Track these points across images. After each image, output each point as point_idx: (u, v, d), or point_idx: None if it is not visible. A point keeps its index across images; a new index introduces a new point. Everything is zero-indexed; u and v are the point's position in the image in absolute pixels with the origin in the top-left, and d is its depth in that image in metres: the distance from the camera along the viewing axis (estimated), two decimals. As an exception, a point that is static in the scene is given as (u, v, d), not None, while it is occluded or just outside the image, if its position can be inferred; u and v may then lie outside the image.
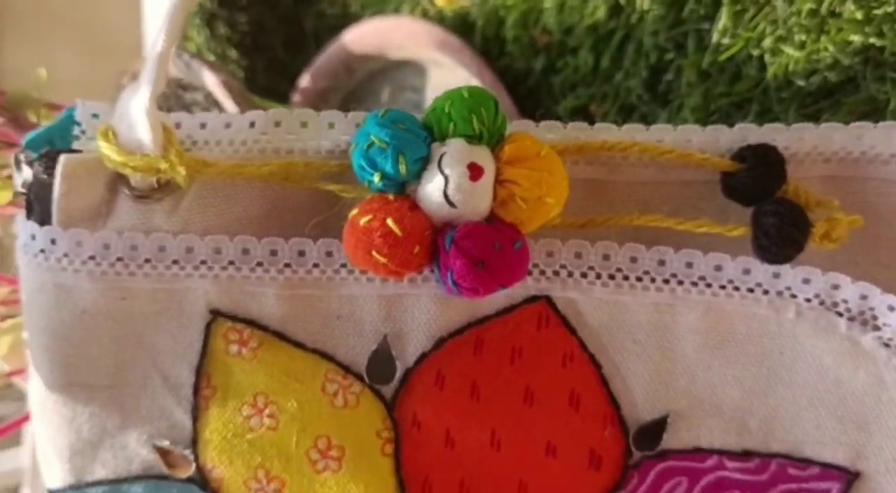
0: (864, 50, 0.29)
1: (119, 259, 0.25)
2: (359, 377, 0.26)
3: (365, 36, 0.45)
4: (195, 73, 0.38)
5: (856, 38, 0.29)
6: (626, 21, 0.35)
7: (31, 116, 0.31)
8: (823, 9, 0.30)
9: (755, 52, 0.32)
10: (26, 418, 0.37)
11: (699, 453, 0.26)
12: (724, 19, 0.32)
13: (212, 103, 0.38)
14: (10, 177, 0.32)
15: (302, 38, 0.51)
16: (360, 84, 0.49)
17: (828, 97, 0.30)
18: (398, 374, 0.26)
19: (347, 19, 0.48)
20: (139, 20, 0.56)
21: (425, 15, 0.44)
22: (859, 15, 0.29)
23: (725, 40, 0.32)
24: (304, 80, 0.48)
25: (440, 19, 0.43)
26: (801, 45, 0.30)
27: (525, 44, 0.39)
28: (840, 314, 0.24)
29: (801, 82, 0.31)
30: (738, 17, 0.32)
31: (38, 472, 0.42)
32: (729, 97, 0.33)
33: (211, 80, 0.37)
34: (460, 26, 0.42)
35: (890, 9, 0.28)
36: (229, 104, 0.36)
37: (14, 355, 0.32)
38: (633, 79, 0.36)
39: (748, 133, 0.25)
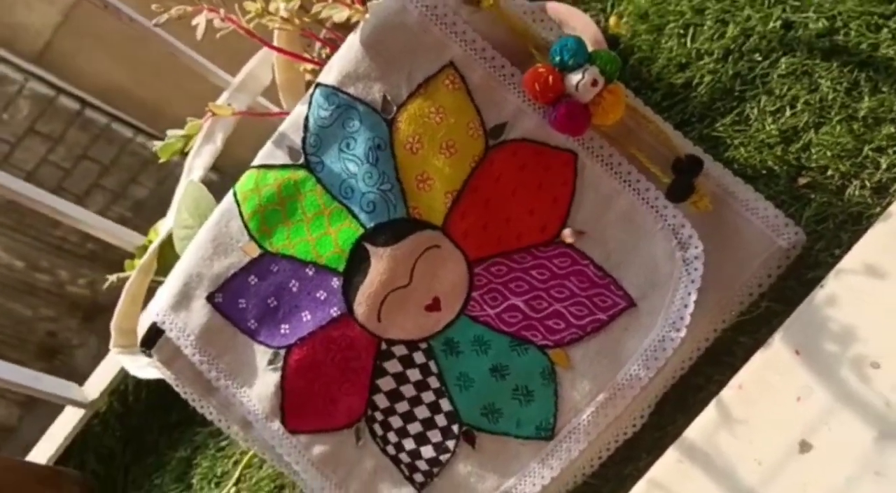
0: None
1: (437, 17, 0.53)
2: (483, 125, 0.54)
3: (558, 11, 0.74)
4: None
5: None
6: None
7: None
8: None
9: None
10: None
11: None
12: (661, 61, 0.62)
13: None
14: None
15: None
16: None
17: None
18: (504, 135, 0.54)
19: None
20: None
21: (598, 23, 0.73)
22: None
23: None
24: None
25: (604, 30, 0.72)
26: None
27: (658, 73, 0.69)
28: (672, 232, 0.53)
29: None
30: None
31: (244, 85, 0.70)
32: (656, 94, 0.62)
33: None
34: (611, 38, 0.71)
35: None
36: None
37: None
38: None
39: (698, 152, 0.54)
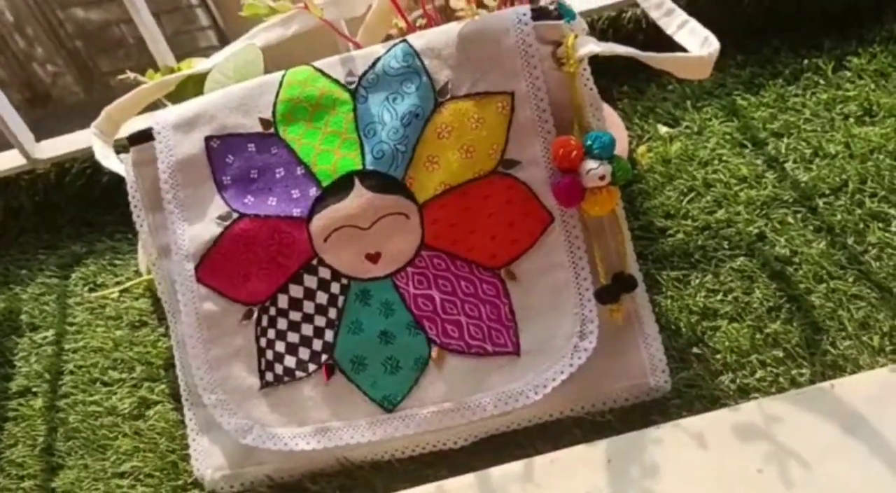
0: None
1: (526, 53, 0.61)
2: (503, 153, 0.62)
3: (610, 115, 0.83)
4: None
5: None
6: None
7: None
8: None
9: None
10: None
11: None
12: (656, 201, 0.71)
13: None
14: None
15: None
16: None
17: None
18: (512, 170, 0.62)
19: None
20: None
21: (629, 143, 0.83)
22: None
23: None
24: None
25: (630, 151, 0.81)
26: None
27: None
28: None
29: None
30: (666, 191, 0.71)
31: None
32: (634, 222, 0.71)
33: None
34: (630, 160, 0.80)
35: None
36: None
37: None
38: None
39: (639, 278, 0.63)
